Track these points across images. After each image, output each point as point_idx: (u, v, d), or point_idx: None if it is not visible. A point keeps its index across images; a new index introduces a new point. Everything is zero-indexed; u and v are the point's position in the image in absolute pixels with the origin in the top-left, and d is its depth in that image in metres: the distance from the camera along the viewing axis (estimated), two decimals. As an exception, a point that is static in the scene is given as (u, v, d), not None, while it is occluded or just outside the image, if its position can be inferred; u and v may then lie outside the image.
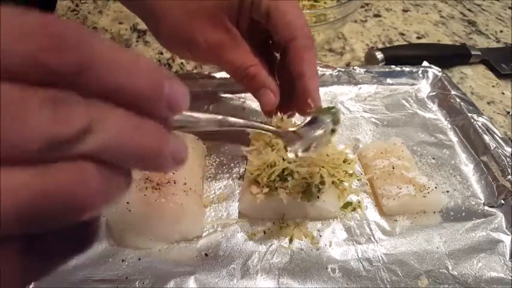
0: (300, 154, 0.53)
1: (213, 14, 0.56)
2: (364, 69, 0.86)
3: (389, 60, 0.91)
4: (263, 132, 0.54)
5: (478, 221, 0.62)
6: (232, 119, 0.46)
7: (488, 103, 0.89)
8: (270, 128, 0.53)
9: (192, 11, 0.56)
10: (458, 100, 0.79)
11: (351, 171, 0.66)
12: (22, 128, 0.20)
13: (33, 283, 0.52)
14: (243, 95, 0.82)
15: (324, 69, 0.85)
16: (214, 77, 0.82)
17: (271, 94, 0.61)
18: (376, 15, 1.20)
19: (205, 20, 0.56)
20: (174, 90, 0.26)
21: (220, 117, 0.44)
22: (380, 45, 1.05)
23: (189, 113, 0.37)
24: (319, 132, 0.54)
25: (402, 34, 1.12)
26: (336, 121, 0.54)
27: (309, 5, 0.93)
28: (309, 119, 0.54)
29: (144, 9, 0.61)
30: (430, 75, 0.86)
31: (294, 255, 0.57)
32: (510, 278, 0.55)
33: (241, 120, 0.48)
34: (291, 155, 0.53)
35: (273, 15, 0.57)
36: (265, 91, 0.61)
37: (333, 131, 0.54)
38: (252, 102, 0.81)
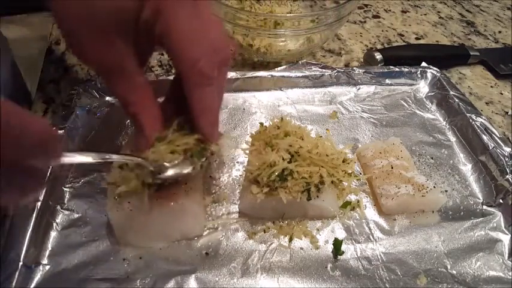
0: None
1: (106, 32, 0.49)
2: (363, 70, 0.86)
3: (388, 60, 0.92)
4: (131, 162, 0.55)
5: (477, 220, 0.62)
6: (106, 155, 0.50)
7: (486, 103, 0.89)
8: (143, 162, 0.54)
9: (92, 30, 0.49)
10: (456, 100, 0.79)
11: (350, 171, 0.66)
12: None
13: (34, 283, 0.53)
14: (242, 94, 0.83)
15: (323, 70, 0.86)
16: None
17: (144, 140, 0.54)
18: (375, 16, 1.20)
19: (102, 40, 0.49)
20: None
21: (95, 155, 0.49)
22: (379, 46, 1.06)
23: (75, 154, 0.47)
24: (188, 170, 0.56)
25: (401, 35, 1.12)
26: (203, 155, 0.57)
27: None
28: (181, 157, 0.55)
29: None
30: (429, 75, 0.87)
31: (294, 254, 0.58)
32: (509, 277, 0.56)
33: (114, 156, 0.52)
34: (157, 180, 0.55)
35: (166, 42, 0.50)
36: (139, 135, 0.54)
37: (201, 166, 0.57)
38: (251, 103, 0.82)
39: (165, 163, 0.55)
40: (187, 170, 0.56)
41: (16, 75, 0.97)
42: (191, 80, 0.51)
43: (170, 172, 0.55)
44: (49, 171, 0.61)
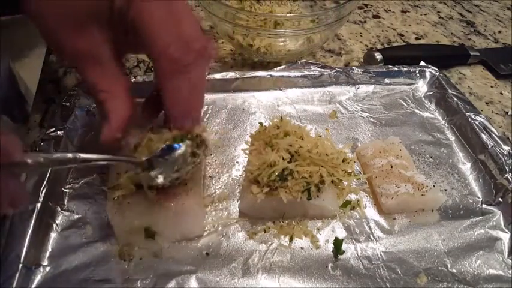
0: (159, 181, 0.54)
1: (80, 22, 0.49)
2: (362, 69, 0.86)
3: (388, 60, 0.92)
4: (118, 162, 0.55)
5: (476, 219, 0.62)
6: (84, 156, 0.49)
7: (486, 103, 0.89)
8: (123, 158, 0.54)
9: (61, 16, 0.49)
10: (455, 99, 0.79)
11: (349, 171, 0.66)
12: None
13: (34, 284, 0.53)
14: (241, 94, 0.83)
15: (323, 70, 0.86)
16: (213, 78, 0.83)
17: (109, 129, 0.52)
18: (375, 16, 1.20)
19: (72, 27, 0.49)
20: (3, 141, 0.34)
21: (70, 155, 0.48)
22: (379, 46, 1.06)
23: (41, 154, 0.45)
24: (174, 157, 0.55)
25: (401, 35, 1.12)
26: (200, 145, 0.56)
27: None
28: (163, 146, 0.55)
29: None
30: (428, 74, 0.87)
31: (294, 253, 0.58)
32: (509, 275, 0.56)
33: (94, 156, 0.51)
34: (153, 182, 0.54)
35: (137, 28, 0.49)
36: (105, 123, 0.53)
37: (195, 154, 0.56)
38: (251, 103, 0.82)
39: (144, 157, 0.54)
40: (173, 157, 0.55)
41: (11, 78, 0.97)
42: (162, 66, 0.51)
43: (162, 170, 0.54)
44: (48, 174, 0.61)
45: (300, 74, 0.85)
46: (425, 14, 1.23)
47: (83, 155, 0.49)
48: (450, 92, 0.81)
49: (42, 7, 0.49)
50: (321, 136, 0.68)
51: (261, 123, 0.69)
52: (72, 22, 0.49)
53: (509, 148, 0.69)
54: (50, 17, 0.49)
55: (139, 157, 0.54)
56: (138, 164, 0.54)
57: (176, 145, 0.55)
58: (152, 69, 0.92)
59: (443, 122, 0.80)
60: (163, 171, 0.54)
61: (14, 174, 0.43)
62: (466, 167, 0.71)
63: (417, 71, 0.87)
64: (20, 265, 0.52)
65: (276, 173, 0.58)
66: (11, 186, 0.42)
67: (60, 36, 0.50)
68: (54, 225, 0.59)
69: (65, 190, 0.64)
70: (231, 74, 0.83)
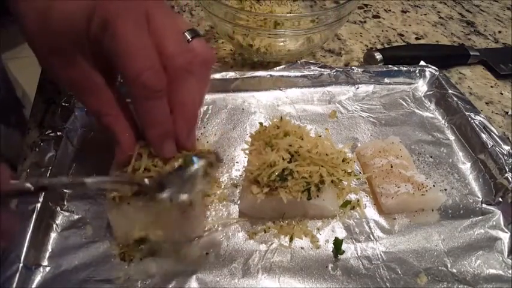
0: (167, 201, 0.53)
1: (67, 51, 0.49)
2: (362, 69, 0.86)
3: (388, 60, 0.92)
4: (121, 185, 0.54)
5: (476, 218, 0.62)
6: (88, 180, 0.48)
7: (486, 103, 0.89)
8: (126, 180, 0.54)
9: (46, 46, 0.50)
10: (455, 99, 0.79)
11: (349, 170, 0.66)
12: None
13: (34, 284, 0.53)
14: (241, 94, 0.83)
15: (322, 69, 0.86)
16: (213, 78, 0.83)
17: (121, 152, 0.54)
18: (375, 16, 1.20)
19: (59, 56, 0.50)
20: None
21: (65, 179, 0.51)
22: (379, 46, 1.06)
23: (32, 181, 0.43)
24: (185, 177, 0.54)
25: (401, 35, 1.12)
26: (210, 164, 0.55)
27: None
28: (175, 166, 0.54)
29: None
30: (427, 74, 0.87)
31: (295, 253, 0.58)
32: (508, 275, 0.56)
33: (96, 179, 0.50)
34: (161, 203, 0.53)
35: (111, 56, 0.48)
36: (116, 146, 0.54)
37: (207, 173, 0.55)
38: (251, 103, 0.82)
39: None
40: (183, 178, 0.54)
41: (6, 82, 0.97)
42: (135, 93, 0.50)
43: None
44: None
45: (300, 73, 0.85)
46: (425, 14, 1.23)
47: (87, 180, 0.48)
48: (450, 91, 0.81)
49: (30, 37, 0.50)
50: (321, 136, 0.68)
51: (261, 123, 0.69)
52: (58, 52, 0.49)
53: (509, 148, 0.69)
54: (38, 48, 0.50)
55: (145, 177, 0.54)
56: (147, 187, 0.53)
57: (194, 159, 0.54)
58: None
59: (443, 121, 0.80)
60: (172, 193, 0.53)
61: (3, 204, 0.41)
62: (466, 166, 0.71)
63: (417, 71, 0.87)
64: (20, 265, 0.52)
65: (276, 173, 0.58)
66: (2, 219, 0.41)
67: (51, 66, 0.51)
68: (54, 226, 0.59)
69: (65, 190, 0.64)
70: (231, 74, 0.83)
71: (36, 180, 0.46)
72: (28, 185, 0.43)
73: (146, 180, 0.53)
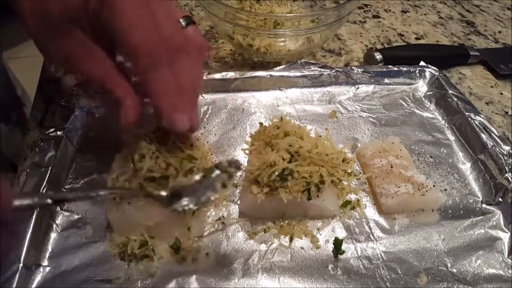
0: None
1: (63, 26, 0.50)
2: (362, 69, 0.86)
3: (388, 60, 0.92)
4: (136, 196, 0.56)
5: (476, 218, 0.62)
6: (100, 192, 0.53)
7: (486, 103, 0.89)
8: (142, 192, 0.55)
9: (44, 23, 0.51)
10: (455, 99, 0.79)
11: (349, 171, 0.66)
12: None
13: (34, 284, 0.53)
14: (241, 94, 0.83)
15: (322, 70, 0.86)
16: (213, 78, 0.83)
17: (128, 110, 0.54)
18: (375, 16, 1.20)
19: (57, 32, 0.51)
20: None
21: (81, 193, 0.54)
22: (379, 46, 1.06)
23: (37, 197, 0.47)
24: (203, 187, 0.55)
25: (401, 35, 1.12)
26: (230, 176, 0.55)
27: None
28: (196, 178, 0.55)
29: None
30: (427, 74, 0.87)
31: (295, 254, 0.58)
32: (509, 275, 0.56)
33: (103, 191, 0.54)
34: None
35: (110, 29, 0.50)
36: (122, 107, 0.54)
37: (225, 186, 0.55)
38: (251, 103, 0.82)
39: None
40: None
41: (6, 81, 0.97)
42: (139, 62, 0.51)
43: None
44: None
45: (299, 73, 0.85)
46: (425, 14, 1.23)
47: (102, 192, 0.52)
48: (450, 92, 0.81)
49: (29, 20, 0.50)
50: (321, 136, 0.68)
51: (261, 123, 0.69)
52: (57, 29, 0.50)
53: (509, 148, 0.69)
54: (36, 29, 0.51)
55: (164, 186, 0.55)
56: (163, 198, 0.54)
57: (215, 172, 0.55)
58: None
59: (443, 121, 0.80)
60: (187, 203, 0.54)
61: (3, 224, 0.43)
62: (466, 166, 0.71)
63: (417, 71, 0.87)
64: (20, 265, 0.52)
65: (276, 173, 0.58)
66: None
67: (49, 42, 0.52)
68: (54, 226, 0.59)
69: (64, 190, 0.64)
70: (231, 74, 0.83)
71: (52, 194, 0.50)
72: (48, 200, 0.46)
73: (163, 193, 0.54)
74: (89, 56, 0.53)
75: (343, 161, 0.65)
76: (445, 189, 0.67)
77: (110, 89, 0.53)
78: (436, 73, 0.86)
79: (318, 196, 0.60)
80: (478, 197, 0.66)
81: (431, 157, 0.73)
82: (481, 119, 0.75)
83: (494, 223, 0.62)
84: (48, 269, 0.55)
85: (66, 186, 0.64)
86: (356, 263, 0.57)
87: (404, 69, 0.87)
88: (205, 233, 0.60)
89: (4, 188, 0.42)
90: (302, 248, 0.59)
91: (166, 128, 0.56)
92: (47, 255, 0.56)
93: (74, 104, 0.75)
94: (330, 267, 0.56)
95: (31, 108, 0.81)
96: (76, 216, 0.61)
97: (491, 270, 0.56)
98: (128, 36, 0.49)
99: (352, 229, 0.61)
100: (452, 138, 0.76)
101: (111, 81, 0.53)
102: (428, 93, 0.85)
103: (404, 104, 0.83)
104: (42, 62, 0.90)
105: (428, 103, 0.84)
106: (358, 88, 0.86)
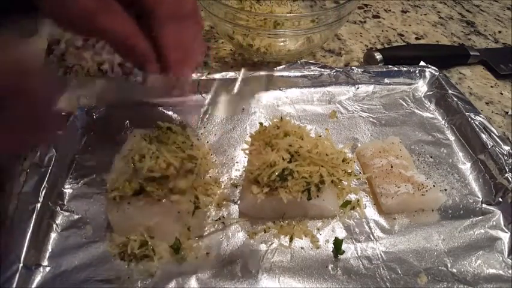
0: None
1: None
2: (362, 69, 0.86)
3: (388, 60, 0.92)
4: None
5: (476, 218, 0.62)
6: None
7: (486, 103, 0.89)
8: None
9: None
10: (455, 99, 0.80)
11: (349, 171, 0.66)
12: None
13: (34, 284, 0.53)
14: (242, 94, 0.83)
15: (322, 70, 0.86)
16: (213, 78, 0.83)
17: (151, 65, 0.58)
18: (375, 16, 1.20)
19: None
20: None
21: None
22: (379, 46, 1.06)
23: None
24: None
25: (401, 35, 1.12)
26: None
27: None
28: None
29: None
30: (427, 74, 0.87)
31: (295, 254, 0.58)
32: (509, 275, 0.56)
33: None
34: None
35: None
36: (146, 63, 0.58)
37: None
38: (251, 103, 0.82)
39: None
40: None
41: None
42: (160, 13, 0.56)
43: None
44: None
45: (299, 73, 0.85)
46: (425, 14, 1.24)
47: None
48: (450, 92, 0.81)
49: None
50: (321, 136, 0.68)
51: (261, 123, 0.69)
52: None
53: (509, 148, 0.69)
54: None
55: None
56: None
57: None
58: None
59: (443, 121, 0.80)
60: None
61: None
62: (465, 166, 0.71)
63: (417, 71, 0.87)
64: (20, 265, 0.52)
65: (276, 173, 0.58)
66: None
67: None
68: (54, 226, 0.59)
69: (65, 190, 0.64)
70: (230, 74, 0.83)
71: None
72: None
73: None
74: (110, 12, 0.54)
75: (343, 161, 0.65)
76: (445, 189, 0.67)
77: (133, 45, 0.56)
78: (436, 73, 0.86)
79: (318, 196, 0.60)
80: (478, 197, 0.66)
81: (431, 157, 0.73)
82: (481, 119, 0.75)
83: (494, 223, 0.62)
84: (48, 269, 0.55)
85: (66, 186, 0.64)
86: (356, 263, 0.57)
87: (404, 69, 0.87)
88: (205, 233, 0.60)
89: (53, 85, 0.45)
90: (302, 248, 0.58)
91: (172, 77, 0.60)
92: (47, 255, 0.56)
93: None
94: (330, 267, 0.56)
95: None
96: (76, 216, 0.61)
97: (491, 270, 0.56)
98: None
99: (352, 229, 0.61)
100: (452, 138, 0.76)
101: (134, 37, 0.56)
102: (428, 93, 0.85)
103: (404, 104, 0.83)
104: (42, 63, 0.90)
105: (428, 103, 0.84)
106: (358, 88, 0.86)
